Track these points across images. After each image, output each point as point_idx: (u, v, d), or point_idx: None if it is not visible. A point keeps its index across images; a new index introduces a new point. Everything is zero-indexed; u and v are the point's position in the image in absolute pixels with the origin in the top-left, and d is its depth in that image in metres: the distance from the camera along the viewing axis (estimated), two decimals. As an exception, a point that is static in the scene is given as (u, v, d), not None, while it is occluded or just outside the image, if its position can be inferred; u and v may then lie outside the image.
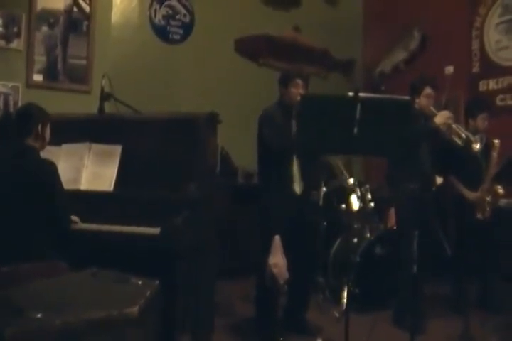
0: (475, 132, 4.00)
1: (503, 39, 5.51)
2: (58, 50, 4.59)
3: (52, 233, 2.79)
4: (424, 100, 3.74)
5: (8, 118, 2.95)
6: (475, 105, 4.35)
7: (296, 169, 3.41)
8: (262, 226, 3.43)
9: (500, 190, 3.95)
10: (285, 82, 3.47)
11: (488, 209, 3.97)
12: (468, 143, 3.75)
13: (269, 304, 3.22)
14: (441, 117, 3.63)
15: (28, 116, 2.89)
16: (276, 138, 3.32)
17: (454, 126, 3.73)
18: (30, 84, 4.45)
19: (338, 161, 4.41)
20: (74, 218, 2.94)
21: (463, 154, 3.87)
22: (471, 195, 4.04)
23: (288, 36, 6.25)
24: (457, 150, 3.83)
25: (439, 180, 4.19)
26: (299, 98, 2.98)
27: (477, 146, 3.73)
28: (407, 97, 2.96)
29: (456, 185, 4.10)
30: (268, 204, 3.38)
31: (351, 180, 4.40)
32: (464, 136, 3.75)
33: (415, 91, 3.78)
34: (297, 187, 3.42)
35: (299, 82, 3.41)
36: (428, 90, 3.76)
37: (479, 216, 3.98)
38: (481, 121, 4.13)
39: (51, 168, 2.82)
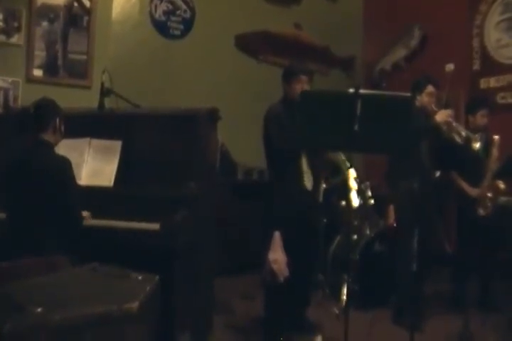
0: (475, 129, 4.01)
1: (503, 37, 5.52)
2: (58, 45, 4.58)
3: (63, 229, 2.79)
4: (425, 98, 3.75)
5: (26, 113, 2.94)
6: (474, 102, 4.37)
7: (305, 165, 3.31)
8: (272, 222, 3.25)
9: (502, 185, 3.94)
10: (288, 78, 3.30)
11: (489, 205, 3.97)
12: (468, 141, 3.76)
13: (278, 303, 3.17)
14: (441, 115, 3.65)
15: (46, 111, 2.90)
16: (282, 141, 3.15)
17: (454, 124, 3.75)
18: (30, 79, 4.44)
19: (339, 156, 4.35)
20: (85, 213, 2.94)
21: (463, 151, 3.87)
22: (472, 191, 4.04)
23: (289, 33, 6.23)
24: (458, 147, 3.83)
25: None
26: None
27: (477, 145, 3.75)
28: (407, 94, 2.95)
29: (457, 182, 4.10)
30: (280, 200, 3.23)
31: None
32: (464, 134, 3.76)
33: (417, 88, 3.79)
34: (308, 183, 3.32)
35: (303, 78, 3.25)
36: (430, 88, 3.77)
37: (481, 212, 3.97)
38: (481, 117, 4.13)
39: (64, 165, 2.83)
